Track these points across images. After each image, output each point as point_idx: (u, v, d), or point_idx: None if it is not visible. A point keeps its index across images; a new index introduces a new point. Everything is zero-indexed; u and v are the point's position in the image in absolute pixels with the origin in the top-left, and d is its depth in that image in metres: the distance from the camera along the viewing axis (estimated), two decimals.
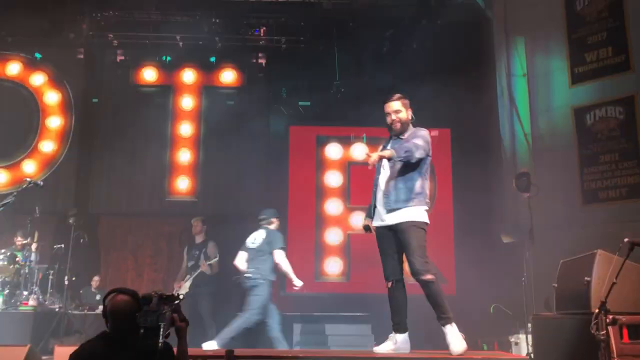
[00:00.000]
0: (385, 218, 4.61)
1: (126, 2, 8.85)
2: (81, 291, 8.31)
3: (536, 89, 7.93)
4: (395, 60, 8.90)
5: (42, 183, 6.14)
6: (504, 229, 7.61)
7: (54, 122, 9.20)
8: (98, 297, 8.22)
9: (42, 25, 8.71)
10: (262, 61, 9.53)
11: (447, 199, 8.67)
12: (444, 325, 4.43)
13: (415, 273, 4.46)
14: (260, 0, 8.87)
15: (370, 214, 4.79)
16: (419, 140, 4.51)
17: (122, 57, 9.39)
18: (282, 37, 9.34)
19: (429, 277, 4.41)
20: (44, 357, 5.07)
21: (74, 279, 7.72)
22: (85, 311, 7.71)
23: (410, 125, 4.74)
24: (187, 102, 9.33)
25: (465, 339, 4.44)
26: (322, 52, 9.27)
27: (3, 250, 7.44)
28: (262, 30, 9.44)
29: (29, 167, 8.93)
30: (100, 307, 7.66)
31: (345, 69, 9.24)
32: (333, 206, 8.92)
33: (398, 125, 4.66)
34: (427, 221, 4.59)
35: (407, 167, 4.51)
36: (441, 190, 8.79)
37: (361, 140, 9.11)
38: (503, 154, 8.24)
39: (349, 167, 9.08)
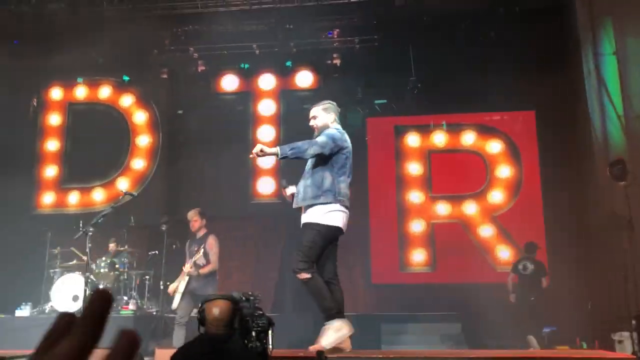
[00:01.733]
0: (302, 216, 4.66)
1: (204, 15, 9.15)
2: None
3: (628, 70, 7.49)
4: (473, 51, 8.72)
5: (136, 194, 6.48)
6: (599, 219, 7.26)
7: (143, 140, 9.69)
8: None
9: (129, 46, 9.17)
10: (337, 62, 9.59)
11: (535, 184, 8.42)
12: (324, 320, 4.37)
13: (293, 270, 4.52)
14: (332, 3, 8.91)
15: None
16: (321, 137, 4.55)
17: (203, 68, 9.75)
18: (356, 38, 9.36)
19: (304, 276, 4.41)
20: (145, 359, 5.33)
21: (168, 283, 8.08)
22: None
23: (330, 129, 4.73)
24: (266, 107, 9.54)
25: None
26: (396, 49, 9.21)
27: (103, 259, 7.91)
28: (335, 32, 9.51)
29: (123, 184, 9.40)
30: (194, 311, 8.03)
31: (420, 64, 9.13)
32: (415, 196, 8.88)
33: (315, 130, 4.81)
34: (329, 223, 4.50)
35: (318, 165, 4.53)
36: (528, 176, 8.58)
37: (441, 128, 9.03)
38: (594, 137, 7.86)
39: (429, 156, 9.01)
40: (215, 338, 3.13)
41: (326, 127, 4.73)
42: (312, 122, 4.82)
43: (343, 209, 4.55)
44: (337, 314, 4.39)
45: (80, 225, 6.70)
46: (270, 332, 2.82)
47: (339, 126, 4.80)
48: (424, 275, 8.66)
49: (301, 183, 4.69)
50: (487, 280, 8.30)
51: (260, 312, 3.08)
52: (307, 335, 7.81)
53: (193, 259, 6.38)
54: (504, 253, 8.52)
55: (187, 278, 6.38)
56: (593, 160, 7.70)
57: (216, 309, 3.15)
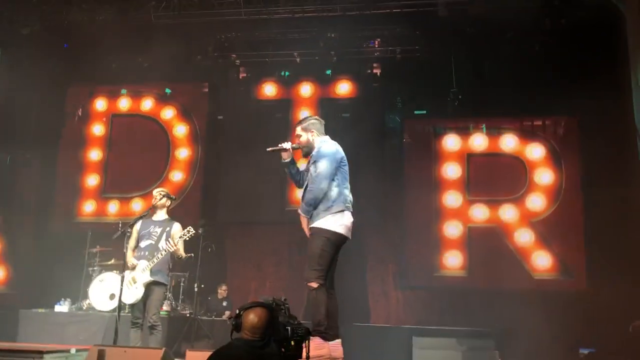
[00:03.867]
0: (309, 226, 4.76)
1: (247, 23, 9.25)
2: (209, 298, 8.76)
3: None
4: (517, 61, 8.65)
5: (174, 197, 6.53)
6: None
7: (183, 153, 9.88)
8: (225, 304, 8.63)
9: (174, 52, 9.35)
10: (377, 71, 9.59)
11: (576, 192, 8.32)
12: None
13: (305, 279, 4.56)
14: (375, 13, 8.89)
15: None
16: (321, 163, 4.76)
17: (244, 75, 9.87)
18: (397, 47, 9.34)
19: (314, 284, 4.47)
20: None
21: (202, 286, 8.18)
22: (213, 317, 8.14)
23: (316, 144, 4.98)
24: (305, 114, 9.56)
25: None
26: (438, 60, 9.15)
27: None
28: (376, 42, 9.50)
29: None
30: (226, 313, 8.10)
31: (462, 75, 9.06)
32: (452, 198, 8.82)
33: (302, 149, 5.04)
34: (338, 230, 4.66)
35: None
36: (569, 183, 8.48)
37: (481, 131, 8.97)
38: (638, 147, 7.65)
39: (468, 159, 8.95)
40: (251, 343, 3.14)
41: (310, 144, 4.98)
42: (297, 142, 5.03)
43: (350, 215, 4.79)
44: (324, 332, 4.37)
45: (120, 226, 6.83)
46: (307, 341, 2.81)
47: (324, 137, 4.90)
48: (458, 279, 8.57)
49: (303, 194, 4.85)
50: (523, 286, 8.16)
51: (298, 321, 3.08)
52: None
53: (177, 239, 5.82)
54: (542, 260, 8.35)
55: (149, 265, 5.74)
56: (636, 174, 7.50)
57: (254, 316, 3.17)
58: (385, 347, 7.16)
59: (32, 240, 9.18)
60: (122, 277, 5.64)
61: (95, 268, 8.03)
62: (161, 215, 6.09)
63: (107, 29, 9.19)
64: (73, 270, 8.51)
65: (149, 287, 5.78)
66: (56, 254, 9.00)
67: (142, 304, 5.78)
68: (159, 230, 5.95)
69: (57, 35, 9.72)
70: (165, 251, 5.81)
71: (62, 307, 7.74)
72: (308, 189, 4.74)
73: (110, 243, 7.68)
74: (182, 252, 5.97)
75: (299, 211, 4.78)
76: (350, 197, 4.82)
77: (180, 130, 9.93)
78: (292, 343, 2.86)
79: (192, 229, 5.91)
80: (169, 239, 5.87)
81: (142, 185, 9.56)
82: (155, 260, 5.77)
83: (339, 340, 4.55)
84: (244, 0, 8.81)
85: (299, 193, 9.24)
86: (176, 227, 6.03)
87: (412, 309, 8.80)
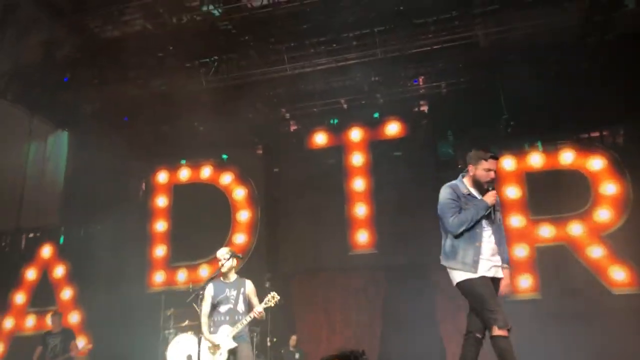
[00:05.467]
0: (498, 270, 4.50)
1: (292, 77, 9.54)
2: (282, 351, 8.78)
3: None
4: (565, 80, 8.55)
5: (241, 256, 6.67)
6: None
7: (244, 215, 10.14)
8: (297, 355, 8.64)
9: (226, 115, 9.72)
10: (424, 108, 9.66)
11: None
12: None
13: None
14: (417, 52, 9.00)
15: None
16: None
17: (295, 127, 10.14)
18: (442, 82, 9.39)
19: None
20: None
21: (275, 340, 8.23)
22: None
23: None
24: (358, 159, 9.71)
25: None
26: (484, 90, 9.13)
27: None
28: (420, 80, 9.58)
29: None
30: None
31: (511, 101, 8.99)
32: (515, 220, 8.66)
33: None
34: None
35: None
36: (636, 191, 8.30)
37: (537, 148, 8.80)
38: None
39: (526, 177, 8.77)
40: None
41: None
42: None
43: None
44: None
45: (190, 287, 7.03)
46: None
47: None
48: (530, 303, 8.26)
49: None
50: (602, 305, 7.82)
51: None
52: None
53: (261, 306, 5.71)
54: (619, 274, 8.01)
55: (233, 331, 5.64)
56: None
57: None
58: None
59: (107, 310, 9.52)
60: (200, 339, 5.74)
61: (170, 330, 8.22)
62: (232, 276, 5.95)
63: (162, 100, 9.69)
64: (150, 334, 8.78)
65: (233, 349, 5.64)
66: (132, 321, 9.32)
67: None
68: (234, 292, 5.82)
69: (117, 111, 10.34)
70: (251, 318, 5.70)
71: None
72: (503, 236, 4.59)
73: (183, 305, 7.88)
74: (263, 314, 5.81)
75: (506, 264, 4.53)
76: None
77: (239, 193, 10.24)
78: None
79: (276, 296, 5.82)
80: (253, 308, 5.76)
81: (207, 251, 9.64)
82: (240, 326, 5.66)
83: None
84: (287, 57, 9.12)
85: (361, 237, 9.32)
86: (249, 286, 5.96)
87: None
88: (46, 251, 10.29)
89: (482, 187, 4.50)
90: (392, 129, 9.67)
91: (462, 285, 4.37)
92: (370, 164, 9.68)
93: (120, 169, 10.67)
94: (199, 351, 5.61)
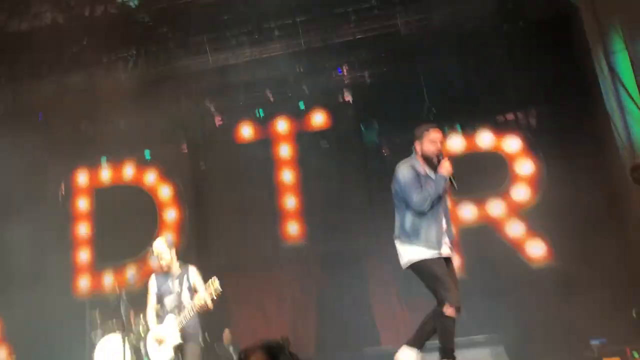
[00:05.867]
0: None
1: (216, 70, 9.38)
2: (215, 345, 8.65)
3: None
4: (483, 66, 8.83)
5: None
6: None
7: (171, 214, 9.80)
8: (231, 349, 8.54)
9: (147, 111, 9.41)
10: (349, 98, 9.72)
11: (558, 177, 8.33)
12: None
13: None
14: (338, 42, 9.05)
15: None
16: None
17: (221, 122, 9.99)
18: (365, 72, 9.48)
19: None
20: None
21: (206, 334, 8.07)
22: None
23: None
24: (285, 151, 9.66)
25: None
26: (406, 77, 9.29)
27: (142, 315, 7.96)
28: (344, 69, 9.64)
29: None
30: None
31: (433, 89, 9.21)
32: None
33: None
34: None
35: None
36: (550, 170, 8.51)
37: (456, 131, 9.02)
38: (617, 140, 7.74)
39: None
40: None
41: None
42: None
43: None
44: None
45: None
46: None
47: None
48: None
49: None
50: (523, 279, 8.09)
51: None
52: None
53: (200, 296, 5.34)
54: (537, 249, 8.30)
55: (179, 322, 5.38)
56: (618, 159, 7.60)
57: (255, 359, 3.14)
58: None
59: (28, 318, 9.05)
60: (124, 338, 5.54)
61: (97, 331, 7.88)
62: (174, 266, 5.65)
63: (79, 97, 9.28)
64: (75, 341, 8.42)
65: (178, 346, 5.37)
66: (55, 328, 8.91)
67: None
68: (177, 284, 5.57)
69: (32, 110, 9.82)
70: (193, 311, 5.37)
71: None
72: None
73: (108, 307, 7.58)
74: (210, 304, 5.42)
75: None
76: None
77: (165, 192, 9.91)
78: None
79: (216, 280, 5.38)
80: (193, 297, 5.44)
81: (134, 250, 9.30)
82: (184, 321, 5.38)
83: None
84: (210, 49, 8.95)
85: (293, 229, 9.29)
86: (193, 273, 5.64)
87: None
88: None
89: (432, 162, 4.54)
90: (318, 119, 9.67)
91: (418, 265, 4.38)
92: (297, 155, 9.65)
93: (37, 171, 10.11)
94: (124, 351, 5.37)
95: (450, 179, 4.49)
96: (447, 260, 4.51)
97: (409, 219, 4.46)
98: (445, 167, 4.45)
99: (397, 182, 4.51)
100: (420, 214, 4.39)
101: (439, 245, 4.37)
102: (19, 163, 9.64)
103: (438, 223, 4.42)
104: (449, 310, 4.24)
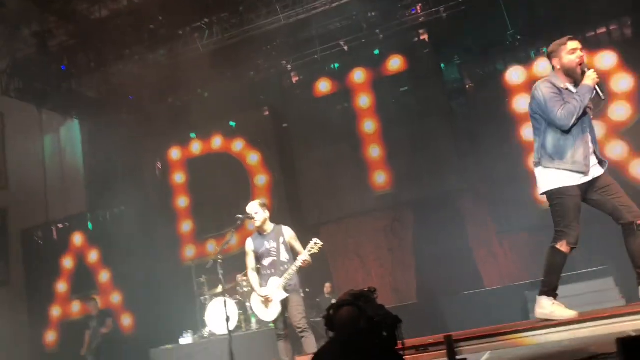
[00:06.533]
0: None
1: (288, 27, 9.30)
2: (317, 299, 8.91)
3: None
4: None
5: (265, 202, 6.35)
6: None
7: (261, 179, 10.00)
8: (333, 301, 8.75)
9: (228, 78, 9.55)
10: (425, 37, 9.34)
11: None
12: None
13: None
14: None
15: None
16: None
17: (297, 78, 9.98)
18: (440, 7, 9.04)
19: None
20: None
21: (307, 290, 8.32)
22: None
23: None
24: (364, 101, 9.53)
25: None
26: (486, 6, 8.82)
27: (245, 278, 8.33)
28: (418, 8, 9.24)
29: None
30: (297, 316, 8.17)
31: (514, 14, 8.67)
32: (530, 131, 8.43)
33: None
34: None
35: None
36: None
37: (543, 55, 8.47)
38: None
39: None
40: (346, 341, 3.17)
41: None
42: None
43: None
44: None
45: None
46: (398, 330, 2.80)
47: None
48: None
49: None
50: None
51: (386, 312, 3.07)
52: (451, 317, 7.70)
53: (305, 254, 5.52)
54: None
55: (282, 282, 5.55)
56: None
57: (341, 315, 3.18)
58: (501, 307, 6.99)
59: (144, 287, 9.80)
60: (225, 301, 5.83)
61: (206, 296, 8.40)
62: (268, 227, 5.75)
63: (162, 72, 9.60)
64: (188, 304, 9.01)
65: (283, 300, 5.55)
66: (169, 293, 9.56)
67: (283, 317, 5.59)
68: (274, 244, 5.67)
69: (120, 91, 10.32)
70: (297, 267, 5.52)
71: (187, 339, 8.16)
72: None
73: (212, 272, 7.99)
74: (309, 261, 5.59)
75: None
76: None
77: (253, 158, 10.14)
78: (385, 334, 2.84)
79: (318, 241, 5.59)
80: (290, 254, 5.64)
81: (232, 220, 9.65)
82: (288, 277, 5.52)
83: None
84: (280, 7, 8.89)
85: (379, 178, 9.24)
86: (288, 232, 5.77)
87: (521, 261, 8.49)
88: (77, 239, 10.54)
89: (575, 75, 4.12)
90: (395, 64, 9.41)
91: (554, 193, 4.03)
92: (377, 103, 9.48)
93: (134, 150, 10.72)
94: (226, 312, 5.64)
95: (596, 88, 4.10)
96: (599, 179, 4.05)
97: (551, 139, 4.05)
98: (591, 77, 4.06)
99: (536, 100, 4.15)
100: (565, 132, 4.00)
101: (587, 166, 3.98)
102: (117, 144, 10.28)
103: (585, 142, 4.01)
104: (563, 247, 4.01)
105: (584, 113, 4.01)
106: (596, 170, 4.04)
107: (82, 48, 9.91)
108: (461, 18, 8.92)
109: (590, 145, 4.04)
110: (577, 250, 4.05)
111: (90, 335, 8.97)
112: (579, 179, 3.98)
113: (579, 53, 4.08)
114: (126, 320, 9.91)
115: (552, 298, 4.08)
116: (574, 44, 4.10)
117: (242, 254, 6.05)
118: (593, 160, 4.04)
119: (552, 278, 4.10)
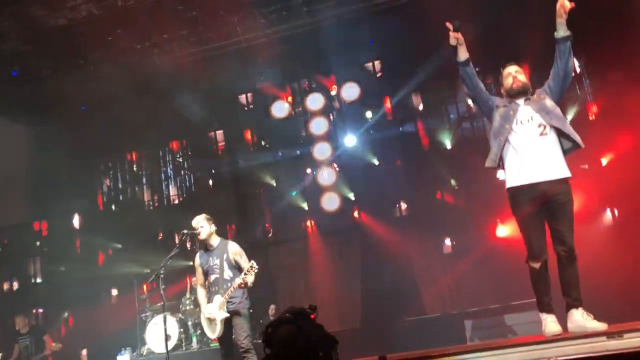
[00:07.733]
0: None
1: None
2: (261, 321, 8.86)
3: None
4: None
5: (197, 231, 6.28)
6: None
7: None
8: None
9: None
10: None
11: None
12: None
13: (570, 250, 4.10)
14: None
15: None
16: None
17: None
18: None
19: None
20: None
21: (251, 311, 8.28)
22: None
23: None
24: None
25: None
26: None
27: (187, 296, 8.24)
28: None
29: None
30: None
31: None
32: None
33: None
34: None
35: None
36: None
37: None
38: None
39: None
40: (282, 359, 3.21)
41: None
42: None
43: None
44: None
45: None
46: (334, 350, 2.86)
47: None
48: None
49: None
50: None
51: (324, 332, 3.13)
52: (391, 341, 7.79)
53: (240, 277, 5.34)
54: None
55: (223, 301, 5.43)
56: None
57: (281, 332, 3.22)
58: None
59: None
60: (165, 317, 5.76)
61: (147, 313, 8.22)
62: (214, 242, 5.62)
63: (117, 85, 9.53)
64: (129, 319, 8.83)
65: (228, 318, 5.46)
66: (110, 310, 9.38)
67: (226, 337, 5.51)
68: (217, 260, 5.53)
69: (74, 100, 10.16)
70: (234, 288, 5.38)
71: (124, 357, 7.94)
72: None
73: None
74: (250, 281, 5.40)
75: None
76: None
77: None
78: (321, 354, 2.90)
79: (254, 264, 5.40)
80: (233, 270, 5.50)
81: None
82: (227, 297, 5.42)
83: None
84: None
85: (329, 203, 9.34)
86: (232, 248, 5.58)
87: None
88: None
89: None
90: None
91: None
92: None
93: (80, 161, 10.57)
94: (165, 330, 5.60)
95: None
96: None
97: None
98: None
99: None
100: None
101: None
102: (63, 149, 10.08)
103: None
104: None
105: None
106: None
107: (36, 54, 9.72)
108: None
109: None
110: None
111: (21, 350, 8.42)
112: None
113: None
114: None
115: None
116: None
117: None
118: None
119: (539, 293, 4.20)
